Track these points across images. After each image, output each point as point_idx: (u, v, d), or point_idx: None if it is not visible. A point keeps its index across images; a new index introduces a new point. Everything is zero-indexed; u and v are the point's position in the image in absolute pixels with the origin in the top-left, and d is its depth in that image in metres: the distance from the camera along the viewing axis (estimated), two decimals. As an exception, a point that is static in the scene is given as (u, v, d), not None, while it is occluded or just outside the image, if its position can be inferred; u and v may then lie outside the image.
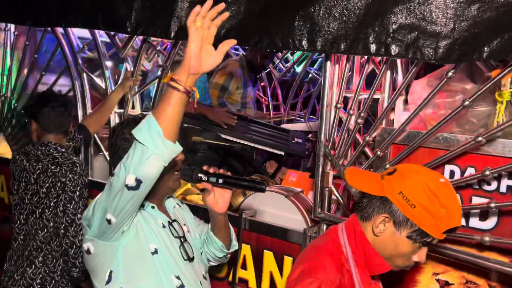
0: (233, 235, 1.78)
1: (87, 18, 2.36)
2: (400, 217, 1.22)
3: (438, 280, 1.70)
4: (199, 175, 1.49)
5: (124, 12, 2.17)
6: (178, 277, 1.51)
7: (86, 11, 2.36)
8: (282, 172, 3.41)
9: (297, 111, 4.43)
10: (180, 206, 1.76)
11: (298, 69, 4.38)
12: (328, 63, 1.86)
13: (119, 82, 2.70)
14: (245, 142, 2.87)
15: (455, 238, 1.59)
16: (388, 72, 1.79)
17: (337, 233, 1.35)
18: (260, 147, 2.90)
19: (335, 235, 1.35)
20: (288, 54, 4.32)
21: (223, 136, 2.87)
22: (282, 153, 2.95)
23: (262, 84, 4.43)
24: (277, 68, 4.39)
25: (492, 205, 1.45)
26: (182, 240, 1.58)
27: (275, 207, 2.22)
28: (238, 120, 3.01)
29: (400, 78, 1.91)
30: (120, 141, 1.57)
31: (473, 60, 1.36)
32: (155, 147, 1.22)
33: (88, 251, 1.47)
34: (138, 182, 1.26)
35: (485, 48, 1.32)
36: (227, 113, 2.98)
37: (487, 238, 1.46)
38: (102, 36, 2.90)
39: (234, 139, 2.86)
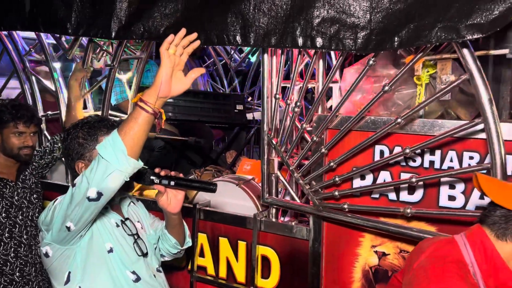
0: (187, 232, 1.85)
1: (26, 21, 2.36)
2: None
3: (376, 252, 1.85)
4: (151, 177, 1.54)
5: (64, 13, 2.19)
6: (133, 272, 1.59)
7: (25, 13, 2.35)
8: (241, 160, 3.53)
9: (255, 99, 4.52)
10: (135, 204, 1.82)
11: (253, 58, 4.46)
12: (265, 55, 1.95)
13: (70, 75, 2.68)
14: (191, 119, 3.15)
15: (386, 212, 1.73)
16: (321, 62, 1.90)
17: (459, 249, 1.22)
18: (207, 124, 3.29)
19: (457, 252, 1.21)
20: (242, 44, 4.39)
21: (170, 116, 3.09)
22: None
23: (219, 75, 4.51)
24: (232, 58, 4.45)
25: (414, 179, 1.59)
26: (136, 237, 1.65)
27: (228, 196, 2.32)
28: (182, 97, 3.24)
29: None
30: (74, 144, 1.57)
31: (386, 49, 1.48)
32: (118, 164, 1.29)
33: (46, 255, 1.52)
34: (99, 194, 1.33)
35: (396, 38, 1.43)
36: None
37: (408, 210, 1.60)
38: (49, 38, 2.88)
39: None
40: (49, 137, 2.87)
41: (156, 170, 1.56)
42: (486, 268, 1.16)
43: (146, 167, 1.55)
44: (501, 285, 1.17)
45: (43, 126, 2.92)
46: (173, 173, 1.58)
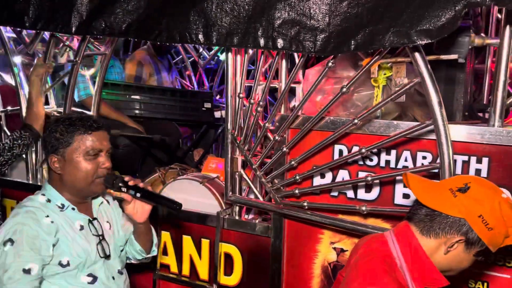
0: (155, 241, 1.85)
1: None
2: (475, 238, 1.21)
3: (335, 248, 1.90)
4: (120, 184, 1.57)
5: (21, 6, 2.13)
6: (89, 275, 1.58)
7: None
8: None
9: (224, 98, 4.52)
10: (108, 203, 1.79)
11: (222, 56, 4.45)
12: (230, 54, 1.97)
13: (31, 70, 2.61)
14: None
15: (344, 209, 1.78)
16: (284, 62, 1.93)
17: (387, 244, 1.28)
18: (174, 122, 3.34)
19: (385, 247, 1.27)
20: (211, 42, 4.38)
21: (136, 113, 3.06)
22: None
23: (188, 72, 4.48)
24: (201, 56, 4.44)
25: (369, 178, 1.64)
26: (100, 238, 1.64)
27: (192, 194, 2.32)
28: (149, 94, 3.23)
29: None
30: (51, 138, 1.58)
31: (343, 52, 1.52)
32: None
33: None
34: None
35: (352, 41, 1.48)
36: None
37: (364, 208, 1.65)
38: (9, 31, 2.79)
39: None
40: (8, 134, 2.78)
41: (126, 178, 1.59)
42: (411, 262, 1.23)
43: (118, 172, 1.57)
44: (425, 277, 1.24)
45: (3, 122, 2.84)
46: (141, 184, 1.60)
